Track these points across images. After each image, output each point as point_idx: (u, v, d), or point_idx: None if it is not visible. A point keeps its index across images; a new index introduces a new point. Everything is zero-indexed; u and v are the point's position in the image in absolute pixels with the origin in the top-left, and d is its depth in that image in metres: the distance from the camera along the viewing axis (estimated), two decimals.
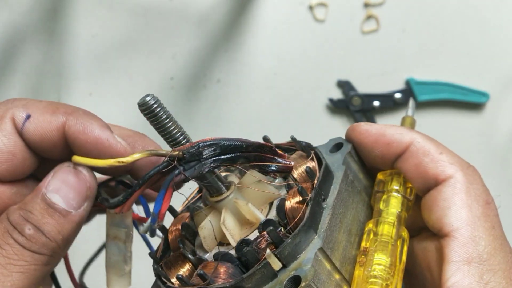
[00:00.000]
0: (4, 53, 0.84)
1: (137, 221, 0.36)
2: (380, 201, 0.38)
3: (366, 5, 0.83)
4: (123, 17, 0.83)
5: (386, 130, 0.38)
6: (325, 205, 0.35)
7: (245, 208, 0.35)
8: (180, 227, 0.38)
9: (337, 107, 0.84)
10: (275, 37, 0.84)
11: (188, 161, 0.32)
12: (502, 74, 0.85)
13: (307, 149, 0.38)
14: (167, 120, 0.34)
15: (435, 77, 0.84)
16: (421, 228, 0.37)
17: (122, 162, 0.32)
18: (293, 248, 0.33)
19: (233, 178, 0.38)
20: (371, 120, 0.84)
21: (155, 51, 0.84)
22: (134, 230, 0.37)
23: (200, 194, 0.40)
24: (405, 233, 0.36)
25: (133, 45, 0.84)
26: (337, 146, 0.39)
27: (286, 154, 0.35)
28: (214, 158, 0.33)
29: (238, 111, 0.85)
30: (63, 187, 0.34)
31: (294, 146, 0.39)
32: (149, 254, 0.37)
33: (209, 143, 0.32)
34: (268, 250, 0.32)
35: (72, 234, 0.35)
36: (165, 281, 0.35)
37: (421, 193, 0.37)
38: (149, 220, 0.33)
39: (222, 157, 0.33)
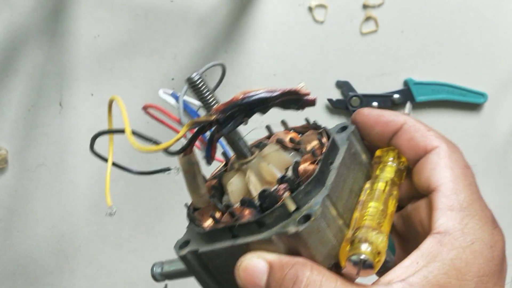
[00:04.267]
0: (5, 53, 0.84)
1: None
2: (377, 169, 0.45)
3: (365, 7, 0.84)
4: (124, 18, 0.84)
5: (384, 112, 0.46)
6: (331, 168, 0.42)
7: (266, 168, 0.43)
8: (210, 187, 0.46)
9: (336, 108, 0.84)
10: (275, 38, 0.84)
11: (222, 122, 0.40)
12: (500, 75, 0.86)
13: (318, 127, 0.46)
14: (207, 93, 0.43)
15: (434, 77, 0.85)
16: (413, 197, 0.45)
17: (178, 139, 0.40)
18: (305, 195, 0.39)
19: (256, 151, 0.46)
20: None
21: (156, 52, 0.84)
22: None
23: (225, 168, 0.48)
24: (396, 192, 0.43)
25: (134, 46, 0.84)
26: (342, 128, 0.47)
27: (309, 91, 0.41)
28: (244, 114, 0.41)
29: None
30: None
31: (308, 128, 0.48)
32: (185, 204, 0.45)
33: (238, 103, 0.40)
34: (285, 193, 0.39)
35: None
36: (198, 224, 0.43)
37: (412, 164, 0.45)
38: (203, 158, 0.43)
39: (251, 111, 0.41)
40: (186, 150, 0.42)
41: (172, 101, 0.44)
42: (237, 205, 0.43)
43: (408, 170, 0.46)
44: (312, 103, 0.41)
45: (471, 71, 0.85)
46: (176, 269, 0.49)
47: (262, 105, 0.41)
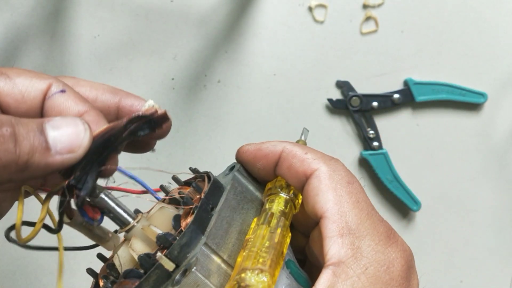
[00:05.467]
0: (6, 53, 0.85)
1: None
2: (267, 202, 0.43)
3: (365, 7, 0.84)
4: (125, 19, 0.84)
5: (262, 145, 0.44)
6: (213, 212, 0.39)
7: (149, 230, 0.39)
8: (105, 267, 0.43)
9: (336, 108, 0.84)
10: (275, 38, 0.84)
11: (77, 182, 0.36)
12: (500, 74, 0.86)
13: (201, 174, 0.43)
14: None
15: (434, 77, 0.85)
16: (315, 224, 0.42)
17: (42, 221, 0.37)
18: (182, 249, 0.37)
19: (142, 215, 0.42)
20: (370, 120, 0.85)
21: (156, 52, 0.84)
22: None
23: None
24: (283, 223, 0.40)
25: (134, 46, 0.84)
26: (231, 168, 0.45)
27: (154, 108, 0.38)
28: (97, 163, 0.37)
29: (238, 111, 0.85)
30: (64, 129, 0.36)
31: (197, 176, 0.44)
32: None
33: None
34: (158, 253, 0.36)
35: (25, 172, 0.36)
36: None
37: (301, 192, 0.42)
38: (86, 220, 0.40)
39: (103, 155, 0.37)
40: (61, 225, 0.39)
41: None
42: (122, 279, 0.40)
43: None
44: (164, 118, 0.38)
45: (471, 71, 0.85)
46: None
47: (111, 144, 0.37)
